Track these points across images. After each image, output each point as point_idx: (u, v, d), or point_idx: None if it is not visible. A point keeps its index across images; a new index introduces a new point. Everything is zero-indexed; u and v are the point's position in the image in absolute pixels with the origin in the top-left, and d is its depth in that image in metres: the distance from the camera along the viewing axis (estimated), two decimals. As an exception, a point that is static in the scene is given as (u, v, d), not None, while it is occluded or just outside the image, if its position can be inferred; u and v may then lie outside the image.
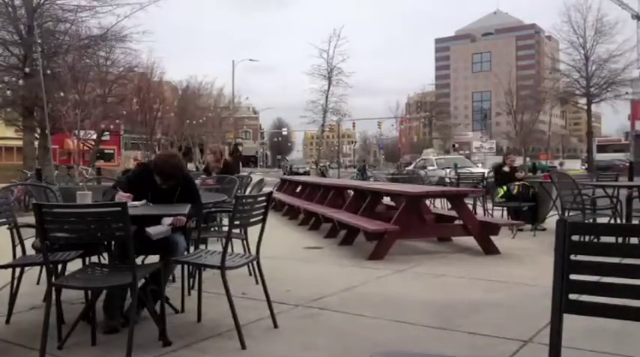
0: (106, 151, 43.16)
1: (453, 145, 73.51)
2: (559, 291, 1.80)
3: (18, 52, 24.09)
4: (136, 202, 3.82)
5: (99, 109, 24.00)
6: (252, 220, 3.68)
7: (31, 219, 3.43)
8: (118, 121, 36.44)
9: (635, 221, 7.47)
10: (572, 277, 1.80)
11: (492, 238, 6.56)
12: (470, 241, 6.69)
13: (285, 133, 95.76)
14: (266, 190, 6.12)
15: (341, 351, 3.25)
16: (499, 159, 15.86)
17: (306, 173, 39.26)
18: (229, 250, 3.91)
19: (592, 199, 7.19)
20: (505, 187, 8.71)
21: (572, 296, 1.80)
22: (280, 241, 7.23)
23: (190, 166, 37.01)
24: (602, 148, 47.53)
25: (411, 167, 27.91)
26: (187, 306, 4.00)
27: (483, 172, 12.65)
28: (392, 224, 6.29)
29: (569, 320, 1.81)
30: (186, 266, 4.13)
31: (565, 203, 6.81)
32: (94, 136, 31.50)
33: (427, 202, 8.78)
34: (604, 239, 2.05)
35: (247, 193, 6.97)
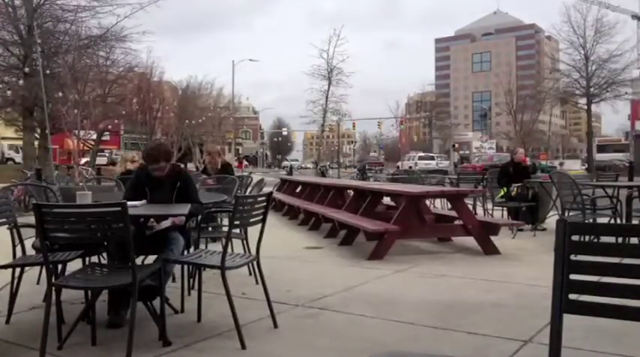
0: (106, 151, 43.20)
1: (453, 145, 73.49)
2: (559, 291, 1.80)
3: (18, 52, 24.11)
4: (136, 202, 3.82)
5: (99, 109, 24.01)
6: (252, 220, 3.68)
7: (31, 219, 3.43)
8: (117, 121, 36.46)
9: (635, 221, 7.47)
10: (572, 277, 1.80)
11: (492, 238, 6.56)
12: (470, 241, 6.69)
13: (285, 133, 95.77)
14: (266, 190, 6.13)
15: (341, 351, 3.25)
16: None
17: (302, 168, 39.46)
18: (229, 250, 3.91)
19: (592, 199, 7.19)
20: (505, 188, 8.69)
21: (572, 296, 1.80)
22: (280, 241, 7.22)
23: (190, 166, 37.00)
24: (602, 148, 47.56)
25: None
26: (187, 306, 4.00)
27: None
28: (392, 224, 6.29)
29: (569, 320, 1.81)
30: (186, 266, 4.13)
31: (565, 203, 6.81)
32: (94, 136, 31.50)
33: (427, 202, 8.78)
34: (604, 239, 2.05)
35: (247, 193, 6.97)
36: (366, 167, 33.97)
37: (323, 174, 34.78)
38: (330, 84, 39.69)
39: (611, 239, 2.10)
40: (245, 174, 10.98)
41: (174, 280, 4.52)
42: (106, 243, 3.76)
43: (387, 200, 8.99)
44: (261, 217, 3.71)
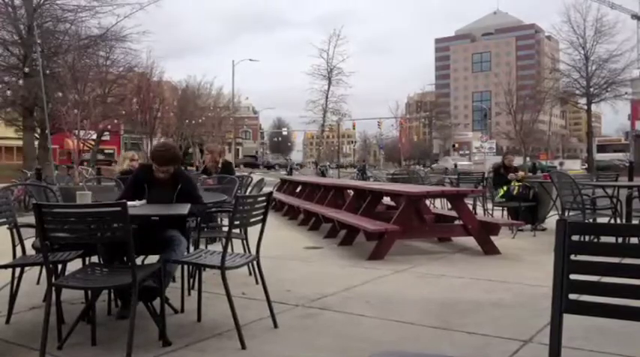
0: (106, 151, 43.20)
1: (453, 145, 73.50)
2: (559, 291, 1.80)
3: (18, 52, 24.16)
4: (136, 202, 3.82)
5: (99, 109, 24.00)
6: (252, 220, 3.68)
7: (31, 219, 3.43)
8: (117, 121, 36.46)
9: (635, 221, 7.47)
10: (572, 277, 1.80)
11: (492, 238, 6.56)
12: (470, 241, 6.69)
13: (285, 133, 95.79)
14: (266, 190, 6.12)
15: (341, 351, 3.25)
16: (499, 159, 15.88)
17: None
18: (229, 250, 3.91)
19: (592, 199, 7.19)
20: (505, 187, 8.70)
21: (572, 296, 1.80)
22: (280, 241, 7.23)
23: (190, 166, 36.98)
24: (602, 148, 47.60)
25: None
26: (187, 306, 4.00)
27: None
28: (392, 224, 6.29)
29: (569, 320, 1.81)
30: (186, 266, 4.13)
31: (565, 203, 6.81)
32: (94, 136, 31.49)
33: (427, 202, 8.78)
34: (604, 239, 2.05)
35: (247, 193, 6.97)
36: (366, 167, 34.05)
37: (323, 174, 34.81)
38: (330, 84, 39.75)
39: (611, 239, 2.11)
40: (245, 174, 10.98)
41: (174, 280, 4.52)
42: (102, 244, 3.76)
43: (387, 200, 8.99)
44: (261, 217, 3.71)
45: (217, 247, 4.91)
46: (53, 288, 3.14)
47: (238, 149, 67.36)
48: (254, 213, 3.67)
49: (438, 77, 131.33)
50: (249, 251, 4.85)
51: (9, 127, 32.07)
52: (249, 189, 7.39)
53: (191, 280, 4.43)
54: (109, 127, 35.13)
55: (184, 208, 3.73)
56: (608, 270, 1.79)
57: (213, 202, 4.79)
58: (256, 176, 10.88)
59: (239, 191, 6.61)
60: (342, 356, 3.20)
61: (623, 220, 7.16)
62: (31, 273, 4.43)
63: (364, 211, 7.42)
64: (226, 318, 3.44)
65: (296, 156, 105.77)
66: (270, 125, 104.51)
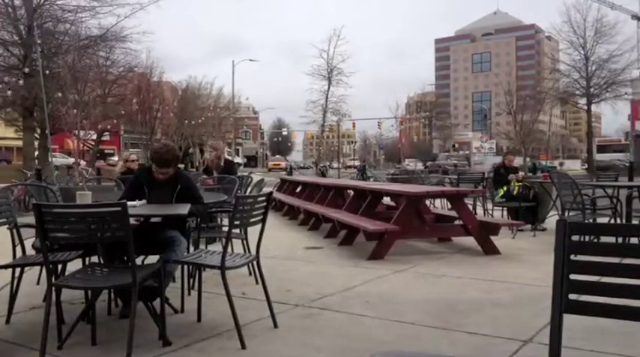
0: (106, 151, 43.21)
1: (453, 145, 73.52)
2: (559, 291, 1.80)
3: (18, 53, 24.15)
4: (136, 202, 3.82)
5: (99, 109, 23.99)
6: (252, 220, 3.68)
7: (31, 219, 3.43)
8: (117, 121, 36.46)
9: (635, 221, 7.47)
10: (572, 277, 1.80)
11: (492, 238, 6.56)
12: (470, 241, 6.69)
13: (285, 133, 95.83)
14: (266, 190, 6.12)
15: (341, 351, 3.25)
16: (499, 159, 15.93)
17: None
18: (229, 250, 3.91)
19: (592, 199, 7.19)
20: (505, 187, 8.71)
21: (572, 296, 1.80)
22: (280, 241, 7.23)
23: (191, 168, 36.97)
24: (602, 148, 47.60)
25: None
26: (187, 306, 4.00)
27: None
28: (392, 224, 6.29)
29: (569, 320, 1.81)
30: (186, 266, 4.13)
31: (565, 203, 6.81)
32: (94, 136, 31.48)
33: (427, 202, 8.78)
34: (604, 239, 2.05)
35: (247, 193, 6.97)
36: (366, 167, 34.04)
37: (323, 174, 34.79)
38: (330, 84, 39.78)
39: (611, 239, 2.11)
40: (245, 174, 10.99)
41: (174, 280, 4.52)
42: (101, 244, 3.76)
43: (387, 200, 8.99)
44: (261, 217, 3.71)
45: (217, 247, 4.91)
46: (53, 288, 3.14)
47: (238, 149, 67.34)
48: (254, 213, 3.67)
49: (438, 77, 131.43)
50: (249, 251, 4.85)
51: (9, 127, 32.08)
52: (249, 189, 7.39)
53: (191, 280, 4.43)
54: (109, 127, 35.13)
55: (184, 209, 3.73)
56: (608, 270, 1.79)
57: (213, 202, 4.79)
58: (256, 176, 10.88)
59: (239, 191, 6.61)
60: (342, 356, 3.20)
61: (623, 220, 7.16)
62: (31, 273, 4.43)
63: (364, 211, 7.42)
64: (226, 318, 3.44)
65: (296, 156, 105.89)
66: (270, 126, 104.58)
